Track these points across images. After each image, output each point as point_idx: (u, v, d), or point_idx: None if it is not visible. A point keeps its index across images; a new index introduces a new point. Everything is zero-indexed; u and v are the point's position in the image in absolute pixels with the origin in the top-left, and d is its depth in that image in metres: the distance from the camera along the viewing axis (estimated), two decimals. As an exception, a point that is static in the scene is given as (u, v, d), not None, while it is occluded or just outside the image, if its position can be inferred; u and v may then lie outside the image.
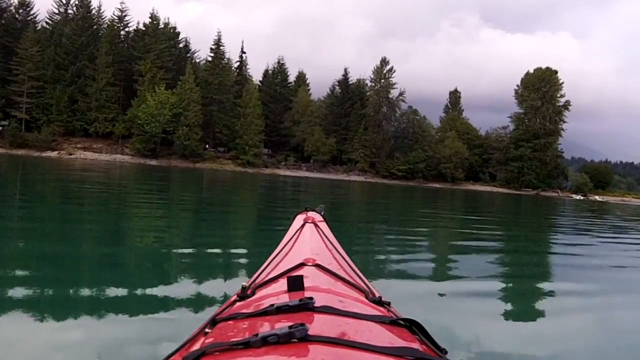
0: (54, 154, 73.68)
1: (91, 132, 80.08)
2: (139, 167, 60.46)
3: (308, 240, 2.38)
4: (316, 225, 2.62)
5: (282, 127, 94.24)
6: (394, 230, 14.20)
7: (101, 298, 5.20)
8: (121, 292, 5.47)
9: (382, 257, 9.24)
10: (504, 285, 7.47)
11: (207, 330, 1.37)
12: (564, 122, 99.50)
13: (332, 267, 1.93)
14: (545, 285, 7.97)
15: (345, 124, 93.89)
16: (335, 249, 2.36)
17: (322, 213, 3.08)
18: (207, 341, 1.27)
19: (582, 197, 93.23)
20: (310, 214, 2.95)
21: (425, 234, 14.12)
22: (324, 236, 2.47)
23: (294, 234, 2.51)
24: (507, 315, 5.75)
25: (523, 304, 6.48)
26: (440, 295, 6.29)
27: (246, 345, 1.11)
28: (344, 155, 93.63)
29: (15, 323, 4.25)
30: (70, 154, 74.53)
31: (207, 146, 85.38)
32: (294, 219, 2.93)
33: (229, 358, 1.10)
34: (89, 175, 31.15)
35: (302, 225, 2.62)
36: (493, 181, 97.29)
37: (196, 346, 1.25)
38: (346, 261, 2.17)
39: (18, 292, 4.99)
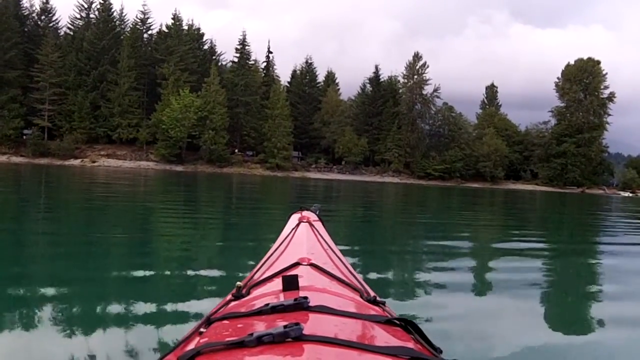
0: (77, 162, 71.53)
1: (115, 139, 77.66)
2: (165, 173, 58.80)
3: (303, 240, 2.37)
4: (311, 225, 2.61)
5: (312, 128, 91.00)
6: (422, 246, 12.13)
7: (90, 298, 5.27)
8: (112, 291, 5.62)
9: (377, 256, 9.19)
10: (503, 286, 7.03)
11: (202, 329, 1.38)
12: (609, 115, 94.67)
13: (327, 267, 1.94)
14: (554, 285, 7.64)
15: (378, 123, 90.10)
16: (330, 248, 2.33)
17: (317, 212, 2.97)
18: (202, 341, 1.28)
19: (630, 194, 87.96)
20: (305, 213, 2.88)
21: (447, 242, 12.25)
22: (319, 235, 2.47)
23: (289, 234, 2.49)
24: (504, 316, 5.53)
25: (521, 305, 6.01)
26: (436, 295, 6.21)
27: (241, 344, 1.12)
28: (376, 155, 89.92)
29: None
30: (94, 162, 72.25)
31: (236, 150, 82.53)
32: (288, 218, 2.87)
33: (224, 357, 1.11)
34: (112, 185, 29.85)
35: (297, 225, 2.60)
36: (535, 179, 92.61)
37: (191, 346, 1.26)
38: (341, 260, 2.18)
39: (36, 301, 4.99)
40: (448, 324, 4.84)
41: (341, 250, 2.43)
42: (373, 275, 6.86)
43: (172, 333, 4.00)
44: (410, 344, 1.23)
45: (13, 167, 50.95)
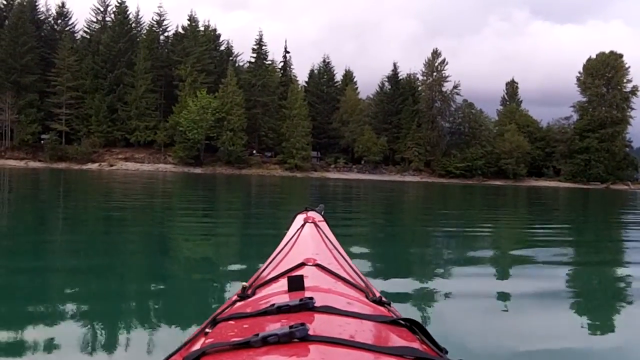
0: (94, 166, 71.27)
1: (132, 142, 77.45)
2: (183, 176, 58.12)
3: (308, 240, 2.37)
4: (316, 225, 2.59)
5: (331, 128, 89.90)
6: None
7: (99, 297, 5.30)
8: (119, 291, 5.65)
9: (383, 257, 9.09)
10: (508, 285, 6.92)
11: (207, 330, 1.39)
12: (632, 109, 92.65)
13: (332, 267, 1.95)
14: (559, 285, 7.13)
15: (397, 121, 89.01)
16: (336, 248, 2.32)
17: (322, 213, 2.96)
18: (207, 341, 1.28)
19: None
20: (311, 213, 2.85)
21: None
22: (324, 236, 2.45)
23: (294, 234, 2.47)
24: (510, 317, 5.31)
25: (530, 307, 5.67)
26: (441, 295, 5.97)
27: (246, 345, 1.13)
28: (396, 154, 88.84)
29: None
30: (112, 166, 71.98)
31: (254, 152, 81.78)
32: (294, 218, 2.85)
33: (229, 358, 1.11)
34: (129, 189, 29.44)
35: (302, 225, 2.58)
36: (557, 176, 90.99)
37: (196, 346, 1.27)
38: (346, 261, 2.15)
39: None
40: (454, 325, 4.82)
41: (347, 251, 2.39)
42: (379, 276, 6.81)
43: (178, 333, 4.06)
44: (416, 344, 1.23)
45: (31, 172, 50.45)
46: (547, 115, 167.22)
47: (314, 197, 27.57)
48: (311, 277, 1.71)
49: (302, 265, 1.92)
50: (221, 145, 76.63)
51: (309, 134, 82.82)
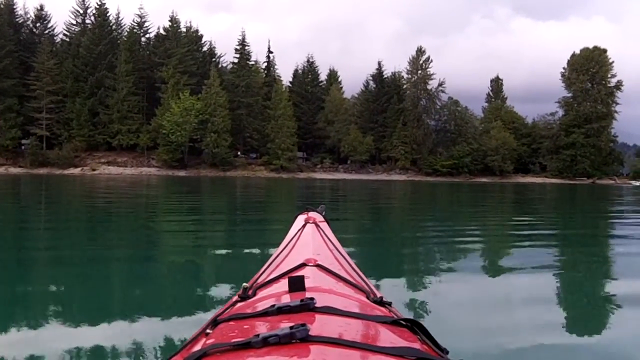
0: (76, 170, 70.04)
1: (115, 146, 76.15)
2: (167, 179, 57.29)
3: (309, 241, 2.36)
4: (317, 226, 2.58)
5: (316, 128, 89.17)
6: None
7: (98, 301, 5.38)
8: (117, 295, 5.79)
9: (384, 257, 9.14)
10: (509, 285, 6.88)
11: (208, 330, 1.39)
12: (617, 104, 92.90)
13: (334, 268, 1.95)
14: (560, 285, 7.12)
15: (383, 120, 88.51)
16: (337, 249, 2.32)
17: (323, 213, 2.95)
18: (208, 342, 1.28)
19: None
20: (312, 214, 2.85)
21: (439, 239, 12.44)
22: (325, 236, 2.45)
23: (295, 234, 2.48)
24: (512, 317, 5.31)
25: (531, 307, 5.63)
26: (442, 295, 6.09)
27: (247, 345, 1.13)
28: (382, 153, 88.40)
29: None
30: (94, 170, 70.76)
31: (238, 153, 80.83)
32: (295, 219, 2.85)
33: (230, 358, 1.11)
34: (113, 194, 29.22)
35: (303, 226, 2.58)
36: (544, 172, 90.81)
37: (197, 347, 1.27)
38: (347, 261, 2.17)
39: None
40: (455, 325, 4.80)
41: (347, 252, 2.38)
42: (380, 276, 6.80)
43: (179, 334, 4.05)
44: (417, 345, 1.23)
45: (10, 179, 49.41)
46: (533, 112, 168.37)
47: (300, 200, 26.89)
48: (312, 277, 1.71)
49: (302, 265, 1.90)
50: (205, 147, 75.82)
51: (294, 135, 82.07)
